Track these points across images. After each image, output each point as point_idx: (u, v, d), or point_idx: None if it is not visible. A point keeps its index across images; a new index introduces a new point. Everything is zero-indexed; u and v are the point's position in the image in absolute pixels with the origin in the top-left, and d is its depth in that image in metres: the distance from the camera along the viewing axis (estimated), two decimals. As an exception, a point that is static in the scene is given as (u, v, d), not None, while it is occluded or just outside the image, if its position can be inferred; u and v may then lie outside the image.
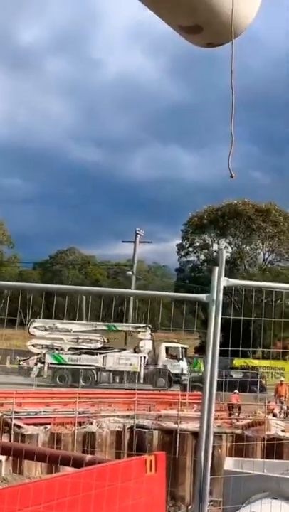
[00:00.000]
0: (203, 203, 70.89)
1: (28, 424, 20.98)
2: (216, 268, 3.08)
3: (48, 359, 39.90)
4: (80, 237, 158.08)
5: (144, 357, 40.46)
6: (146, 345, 41.21)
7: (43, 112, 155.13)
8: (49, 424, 21.15)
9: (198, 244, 70.30)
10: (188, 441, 21.16)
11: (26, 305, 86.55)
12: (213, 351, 3.21)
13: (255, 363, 45.18)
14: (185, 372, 39.94)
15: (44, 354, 40.03)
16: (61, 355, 40.19)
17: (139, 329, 42.53)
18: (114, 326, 44.45)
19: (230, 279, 3.17)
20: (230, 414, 25.17)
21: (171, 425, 22.29)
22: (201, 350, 49.49)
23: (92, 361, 39.61)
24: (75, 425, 21.37)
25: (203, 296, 3.20)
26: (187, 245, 70.82)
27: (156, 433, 22.06)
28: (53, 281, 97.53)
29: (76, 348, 40.35)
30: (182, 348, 42.64)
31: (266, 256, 69.67)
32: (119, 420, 22.67)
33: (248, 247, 68.61)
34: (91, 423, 22.01)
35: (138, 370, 39.39)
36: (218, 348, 3.18)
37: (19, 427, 20.50)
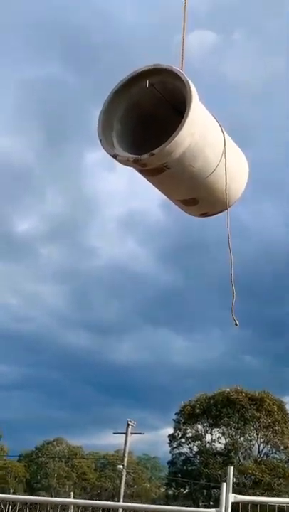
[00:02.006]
0: (195, 389, 70.01)
1: None
2: (224, 484, 3.15)
3: None
4: (68, 425, 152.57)
5: None
6: None
7: (34, 297, 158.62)
8: None
9: (190, 434, 67.99)
10: None
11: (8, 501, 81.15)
12: None
13: None
14: None
15: None
16: None
17: None
18: None
19: (237, 496, 3.23)
20: None
21: None
22: None
23: None
24: None
25: (212, 511, 3.20)
26: (179, 436, 68.44)
27: None
28: (38, 475, 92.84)
29: None
30: None
31: (261, 447, 66.98)
32: None
33: (242, 438, 66.23)
34: None
35: None
36: None
37: None
